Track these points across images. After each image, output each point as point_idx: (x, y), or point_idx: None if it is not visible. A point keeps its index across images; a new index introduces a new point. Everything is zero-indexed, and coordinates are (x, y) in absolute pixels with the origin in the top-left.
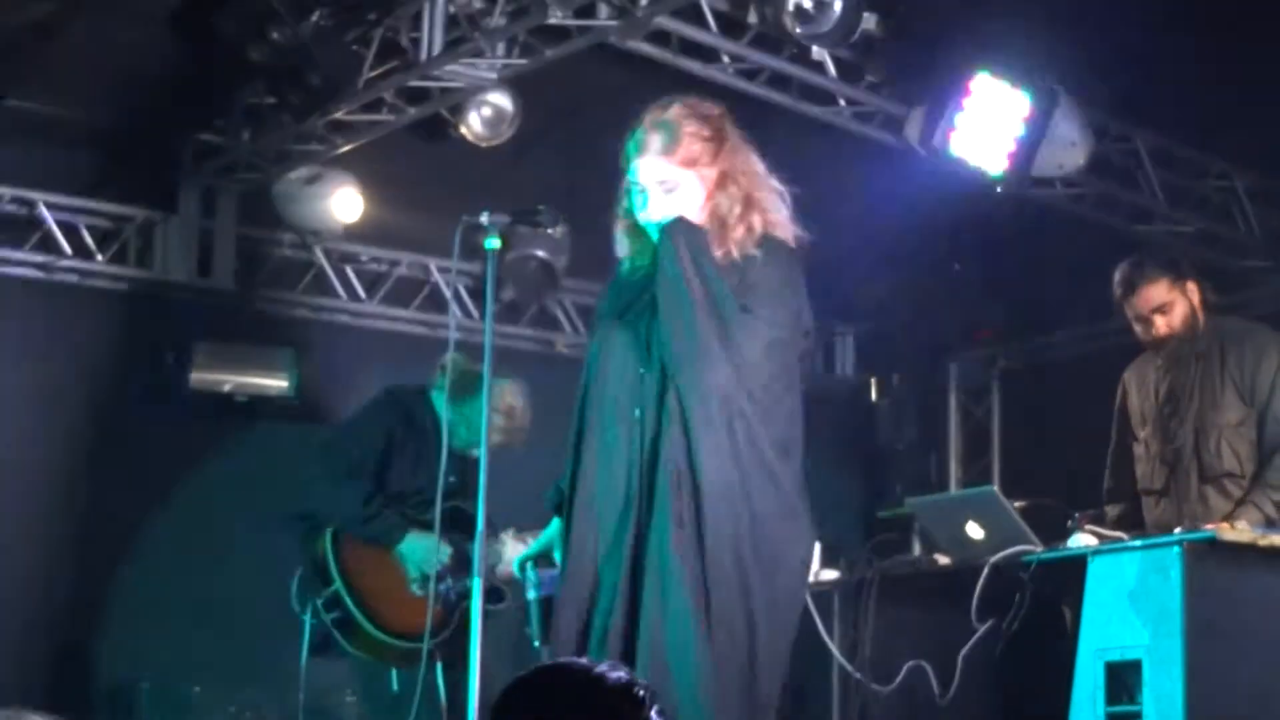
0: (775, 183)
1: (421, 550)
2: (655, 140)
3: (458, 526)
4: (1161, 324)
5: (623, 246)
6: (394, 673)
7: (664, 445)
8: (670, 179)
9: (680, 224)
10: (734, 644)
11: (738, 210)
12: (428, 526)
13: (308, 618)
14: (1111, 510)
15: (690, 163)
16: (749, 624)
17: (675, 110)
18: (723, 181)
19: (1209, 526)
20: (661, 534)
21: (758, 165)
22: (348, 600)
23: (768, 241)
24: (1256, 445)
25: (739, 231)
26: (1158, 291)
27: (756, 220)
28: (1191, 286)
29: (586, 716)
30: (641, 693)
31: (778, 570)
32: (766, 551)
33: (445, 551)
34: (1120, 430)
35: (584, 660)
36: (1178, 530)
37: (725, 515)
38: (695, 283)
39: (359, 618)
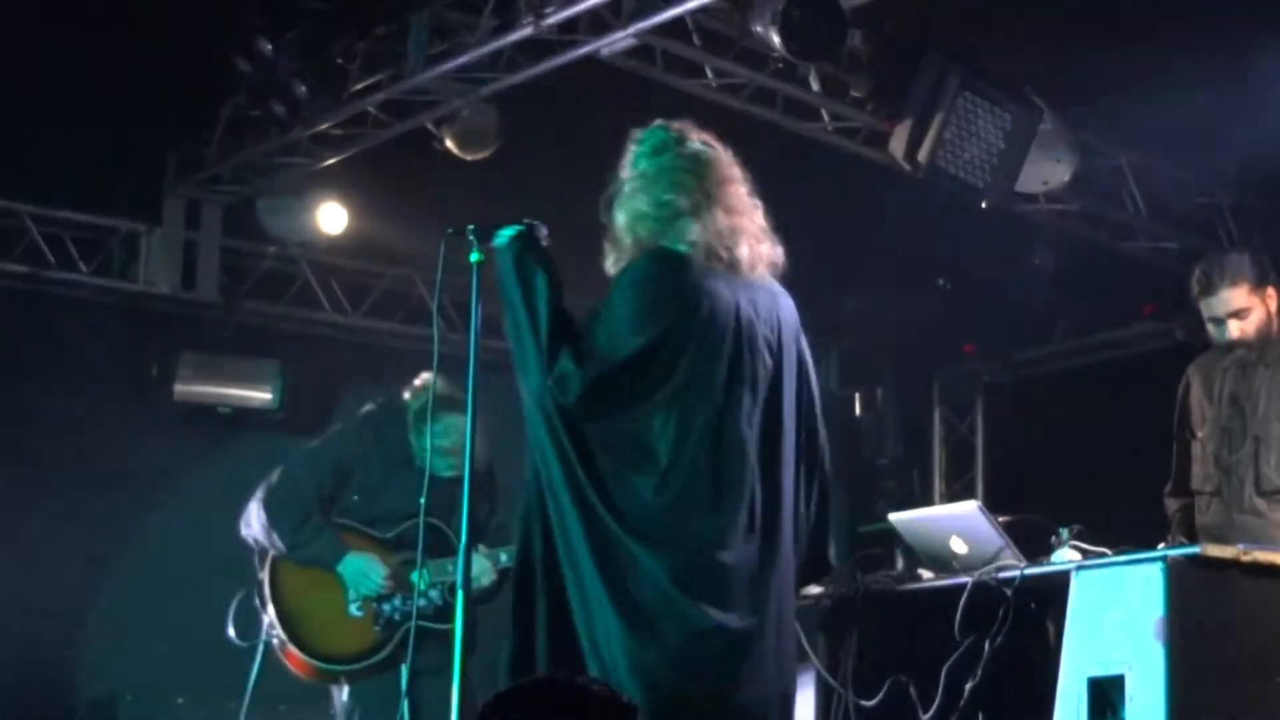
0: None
1: (357, 571)
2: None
3: (429, 544)
4: (1236, 329)
5: None
6: (347, 688)
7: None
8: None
9: (515, 239)
10: None
11: (622, 221)
12: (389, 544)
13: (245, 641)
14: (1172, 504)
15: (622, 172)
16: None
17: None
18: (625, 194)
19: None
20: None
21: (656, 175)
22: (279, 625)
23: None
24: None
25: (616, 247)
26: (1237, 296)
27: (625, 238)
28: (1271, 293)
29: None
30: (627, 704)
31: (630, 611)
32: (598, 592)
33: (381, 572)
34: (1180, 427)
35: (566, 676)
36: (1161, 546)
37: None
38: (514, 303)
39: (288, 641)
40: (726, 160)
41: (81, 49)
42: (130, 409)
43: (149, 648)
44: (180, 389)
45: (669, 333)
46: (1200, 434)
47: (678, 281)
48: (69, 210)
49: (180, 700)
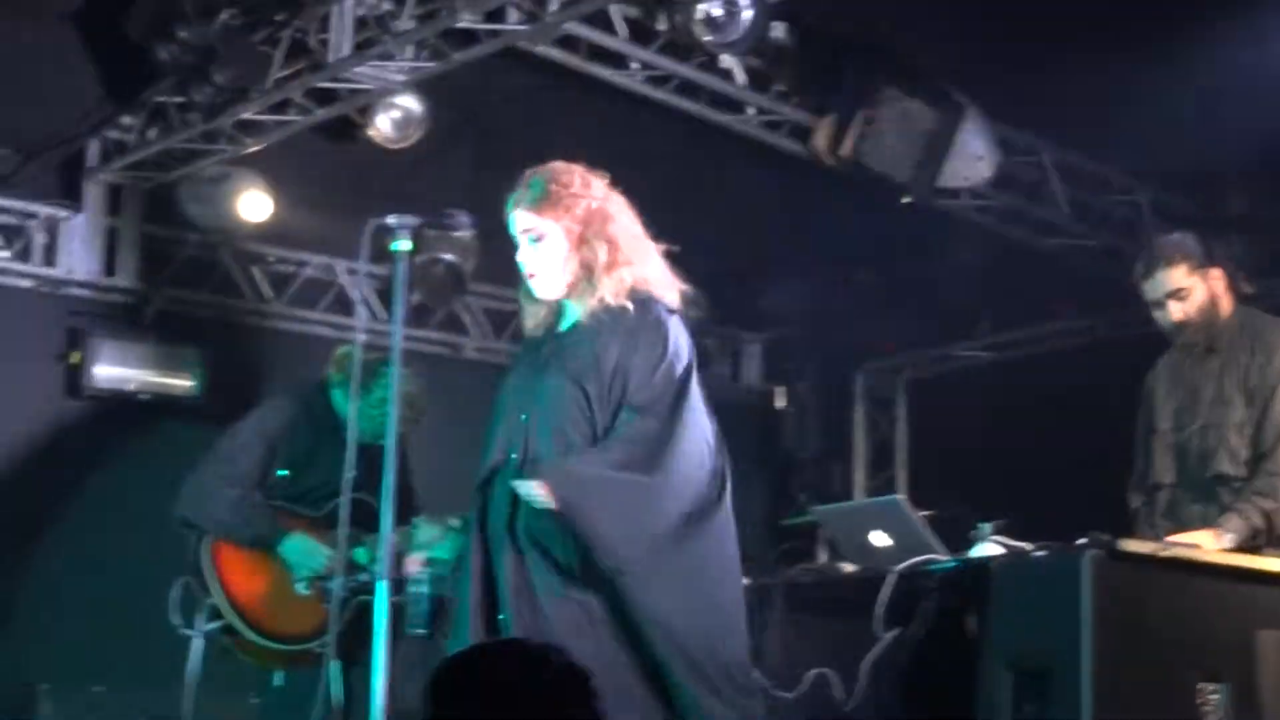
0: (650, 244)
1: (301, 552)
2: (525, 194)
3: (361, 520)
4: (1177, 311)
5: (529, 317)
6: (282, 674)
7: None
8: (536, 229)
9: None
10: None
11: (603, 260)
12: (321, 523)
13: (193, 630)
14: (1135, 499)
15: (555, 214)
16: None
17: (546, 168)
18: (587, 233)
19: (1198, 535)
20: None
21: (631, 224)
22: (228, 609)
23: (637, 295)
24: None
25: (607, 281)
26: (1175, 275)
27: (626, 273)
28: (1216, 273)
29: (533, 693)
30: (584, 672)
31: None
32: None
33: (323, 551)
34: (1143, 421)
35: (524, 641)
36: (1083, 540)
37: None
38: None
39: (240, 626)
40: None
41: (3, 34)
42: (49, 395)
43: (68, 636)
44: (100, 375)
45: None
46: (1162, 426)
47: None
48: None
49: (98, 689)
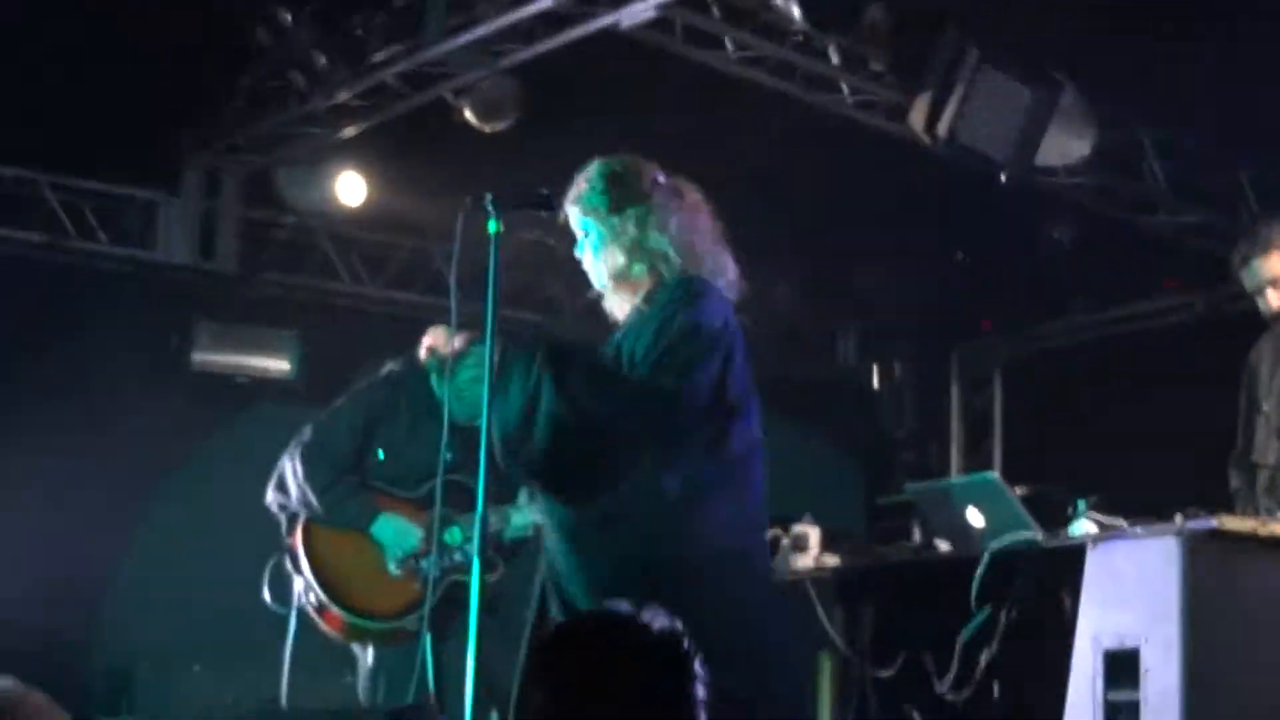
0: (701, 231)
1: (393, 532)
2: (572, 192)
3: (455, 501)
4: (1276, 299)
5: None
6: (372, 652)
7: None
8: (579, 227)
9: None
10: None
11: (623, 260)
12: (418, 503)
13: (288, 608)
14: (1235, 476)
15: (590, 213)
16: None
17: (591, 166)
18: (617, 230)
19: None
20: None
21: (679, 215)
22: (318, 587)
23: (660, 286)
24: None
25: (628, 277)
26: (1271, 264)
27: (639, 269)
28: None
29: (631, 663)
30: (685, 640)
31: None
32: None
33: (416, 531)
34: (1247, 396)
35: (628, 607)
36: (1180, 517)
37: None
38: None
39: (330, 603)
40: None
41: (102, 18)
42: (148, 378)
43: (165, 616)
44: (198, 358)
45: None
46: (1266, 406)
47: None
48: (88, 179)
49: (196, 668)
